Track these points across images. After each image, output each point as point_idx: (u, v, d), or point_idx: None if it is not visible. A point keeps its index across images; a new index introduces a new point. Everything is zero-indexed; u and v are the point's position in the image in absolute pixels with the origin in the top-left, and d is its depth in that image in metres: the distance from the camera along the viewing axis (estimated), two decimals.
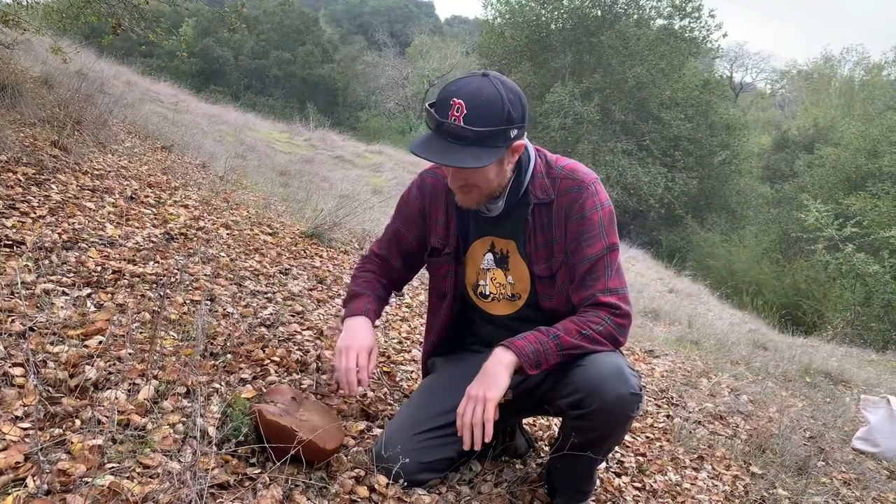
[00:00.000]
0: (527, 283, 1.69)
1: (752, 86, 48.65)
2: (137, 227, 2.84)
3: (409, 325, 2.94)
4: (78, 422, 1.40)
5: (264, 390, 1.76)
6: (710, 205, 23.13)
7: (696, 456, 2.46)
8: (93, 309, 1.93)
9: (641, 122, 21.61)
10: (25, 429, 1.33)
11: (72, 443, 1.32)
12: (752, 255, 16.03)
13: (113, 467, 1.29)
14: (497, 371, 1.48)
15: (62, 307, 1.87)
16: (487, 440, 1.46)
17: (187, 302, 2.23)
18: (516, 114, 1.46)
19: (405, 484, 1.59)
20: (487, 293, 1.74)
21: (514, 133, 1.47)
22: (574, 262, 1.59)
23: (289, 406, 1.59)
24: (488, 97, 1.42)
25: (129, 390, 1.57)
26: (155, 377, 1.64)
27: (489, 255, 1.70)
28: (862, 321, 9.88)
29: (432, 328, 1.88)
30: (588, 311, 1.55)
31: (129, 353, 1.71)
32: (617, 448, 2.22)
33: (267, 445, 1.47)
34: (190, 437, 1.45)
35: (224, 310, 2.30)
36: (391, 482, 1.57)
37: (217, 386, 1.74)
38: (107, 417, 1.41)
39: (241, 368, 1.91)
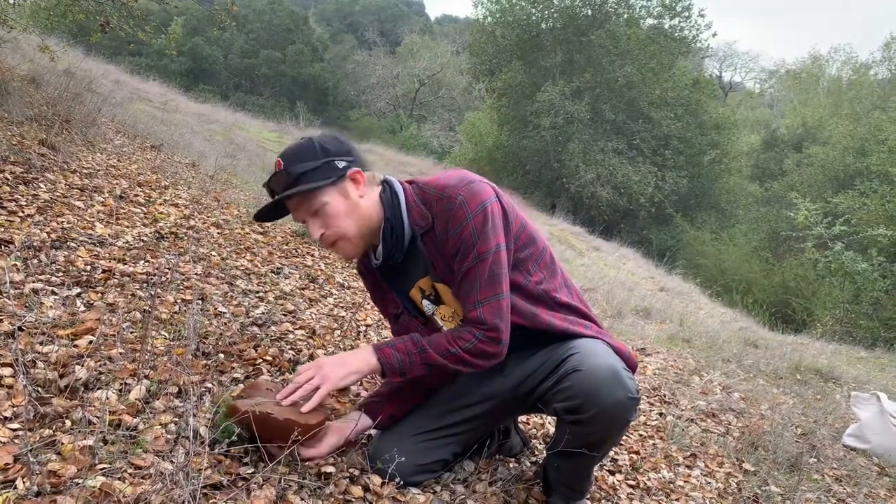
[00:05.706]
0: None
1: (742, 85, 49.01)
2: (127, 226, 2.82)
3: None
4: (68, 422, 1.38)
5: None
6: (699, 203, 23.26)
7: (689, 453, 2.47)
8: (82, 308, 1.91)
9: (632, 122, 21.68)
10: (15, 430, 1.31)
11: (62, 444, 1.30)
12: (741, 253, 16.12)
13: (104, 468, 1.27)
14: (355, 367, 1.53)
15: (51, 307, 1.84)
16: (308, 409, 1.49)
17: (178, 301, 2.21)
18: (332, 147, 1.54)
19: (400, 483, 1.58)
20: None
21: (341, 164, 1.53)
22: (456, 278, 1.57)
23: (265, 397, 1.56)
24: (299, 144, 1.55)
25: (120, 390, 1.55)
26: (146, 377, 1.63)
27: (425, 301, 1.69)
28: (851, 319, 9.97)
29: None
30: (464, 326, 1.55)
31: (120, 353, 1.70)
32: None
33: (260, 444, 1.46)
34: (182, 437, 1.44)
35: (215, 309, 2.28)
36: (386, 482, 1.56)
37: (209, 385, 1.73)
38: (98, 418, 1.40)
39: (233, 368, 1.89)
